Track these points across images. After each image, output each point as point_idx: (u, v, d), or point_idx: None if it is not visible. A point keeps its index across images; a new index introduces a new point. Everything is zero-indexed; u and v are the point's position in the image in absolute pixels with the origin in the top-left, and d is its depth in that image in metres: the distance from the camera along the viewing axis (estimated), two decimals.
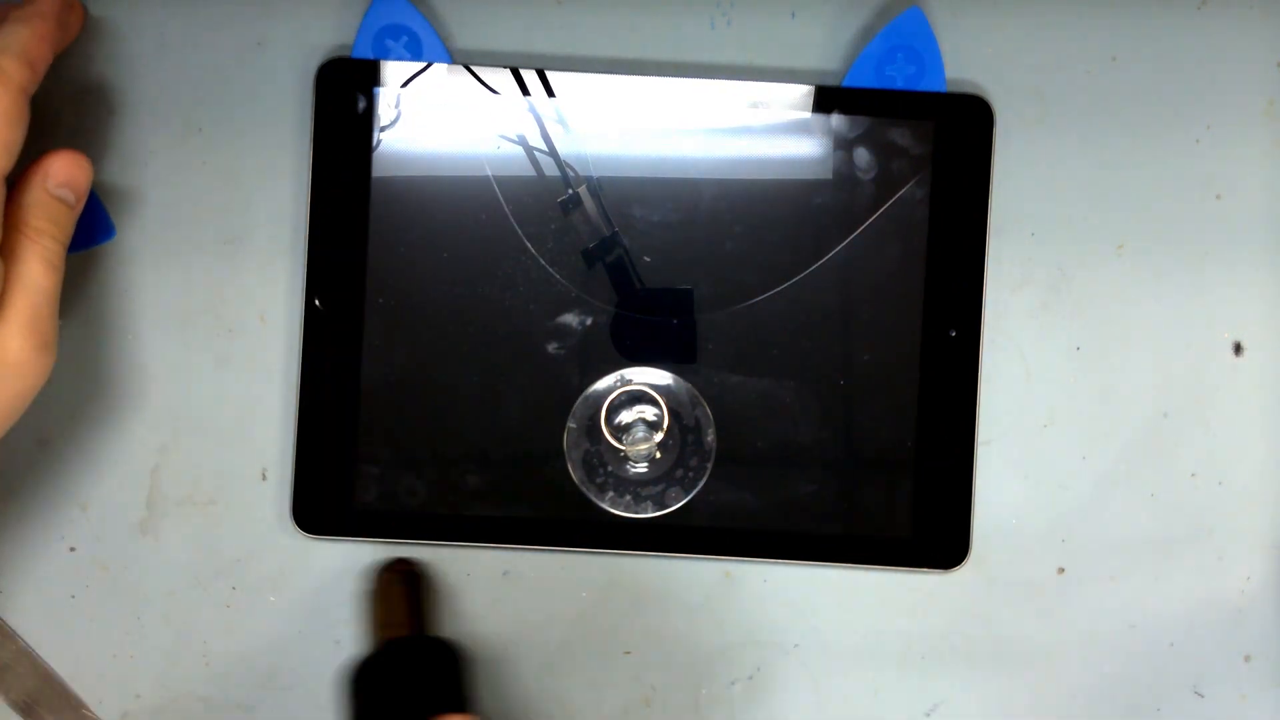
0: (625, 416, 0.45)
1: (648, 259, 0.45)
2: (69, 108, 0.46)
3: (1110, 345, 0.47)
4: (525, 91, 0.45)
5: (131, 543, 0.47)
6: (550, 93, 0.45)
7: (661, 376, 0.45)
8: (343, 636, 0.47)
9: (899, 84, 0.45)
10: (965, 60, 0.47)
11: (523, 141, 0.45)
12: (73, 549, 0.47)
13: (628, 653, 0.47)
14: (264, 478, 0.46)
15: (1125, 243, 0.47)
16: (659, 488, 0.45)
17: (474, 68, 0.45)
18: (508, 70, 0.45)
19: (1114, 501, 0.47)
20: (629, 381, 0.45)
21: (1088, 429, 0.47)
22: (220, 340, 0.46)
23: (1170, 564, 0.47)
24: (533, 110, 0.45)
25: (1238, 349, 0.47)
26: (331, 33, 0.46)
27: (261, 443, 0.46)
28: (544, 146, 0.45)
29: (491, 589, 0.47)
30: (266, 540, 0.47)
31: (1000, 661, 0.47)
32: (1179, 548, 0.47)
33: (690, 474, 0.45)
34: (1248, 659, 0.48)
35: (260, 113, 0.46)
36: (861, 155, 0.45)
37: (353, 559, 0.47)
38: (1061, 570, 0.47)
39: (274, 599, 0.47)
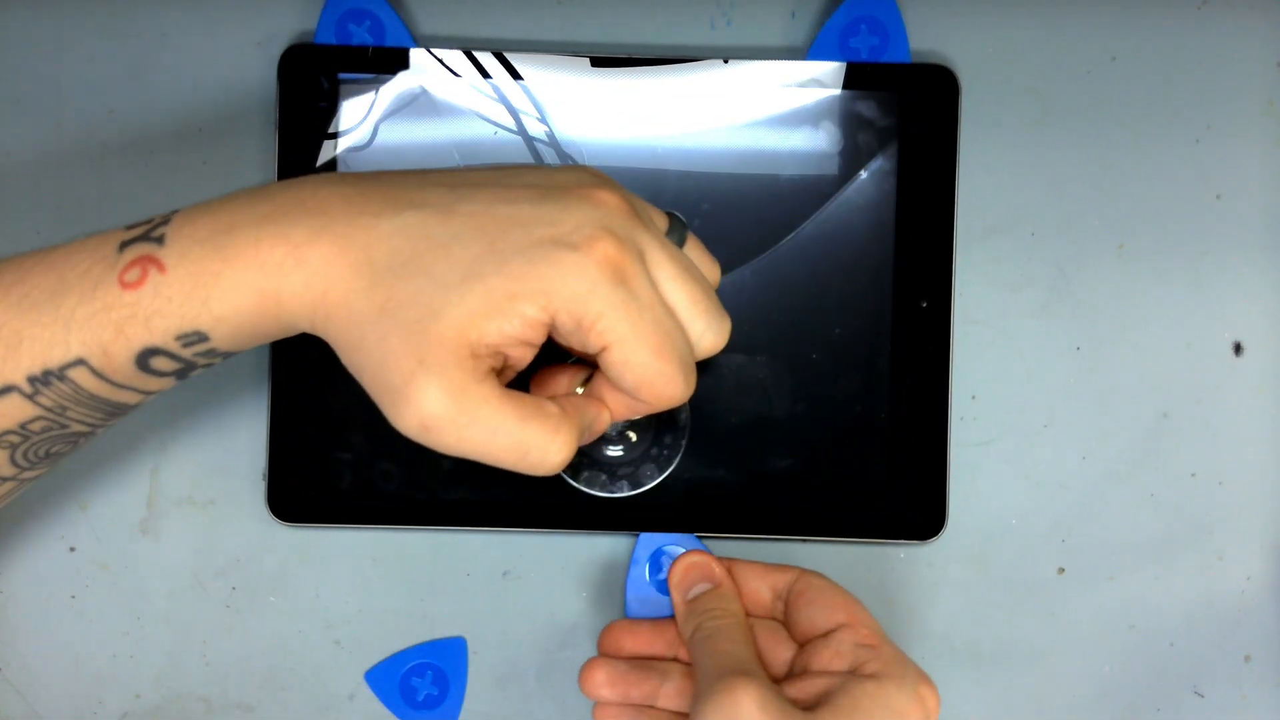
0: None
1: None
2: (69, 107, 0.46)
3: (1110, 345, 0.47)
4: (485, 75, 0.45)
5: (131, 543, 0.47)
6: (516, 75, 0.45)
7: None
8: (342, 636, 0.47)
9: (863, 56, 0.45)
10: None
11: (481, 116, 0.45)
12: (73, 549, 0.47)
13: None
14: (264, 478, 0.46)
15: (1125, 243, 0.47)
16: (634, 467, 0.45)
17: (435, 50, 0.45)
18: (489, 54, 0.45)
19: (1114, 501, 0.47)
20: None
21: (1088, 429, 0.47)
22: None
23: (1170, 564, 0.47)
24: (494, 91, 0.45)
25: (1238, 349, 0.47)
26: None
27: (260, 443, 0.46)
28: (502, 124, 0.45)
29: (491, 589, 0.47)
30: (266, 540, 0.47)
31: (1000, 661, 0.47)
32: (1179, 548, 0.47)
33: (665, 452, 0.45)
34: (1248, 659, 0.48)
35: (258, 110, 0.46)
36: (828, 128, 0.45)
37: (352, 559, 0.47)
38: (1061, 570, 0.47)
39: (274, 599, 0.47)
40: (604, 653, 0.43)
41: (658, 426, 0.45)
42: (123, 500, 0.47)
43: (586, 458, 0.45)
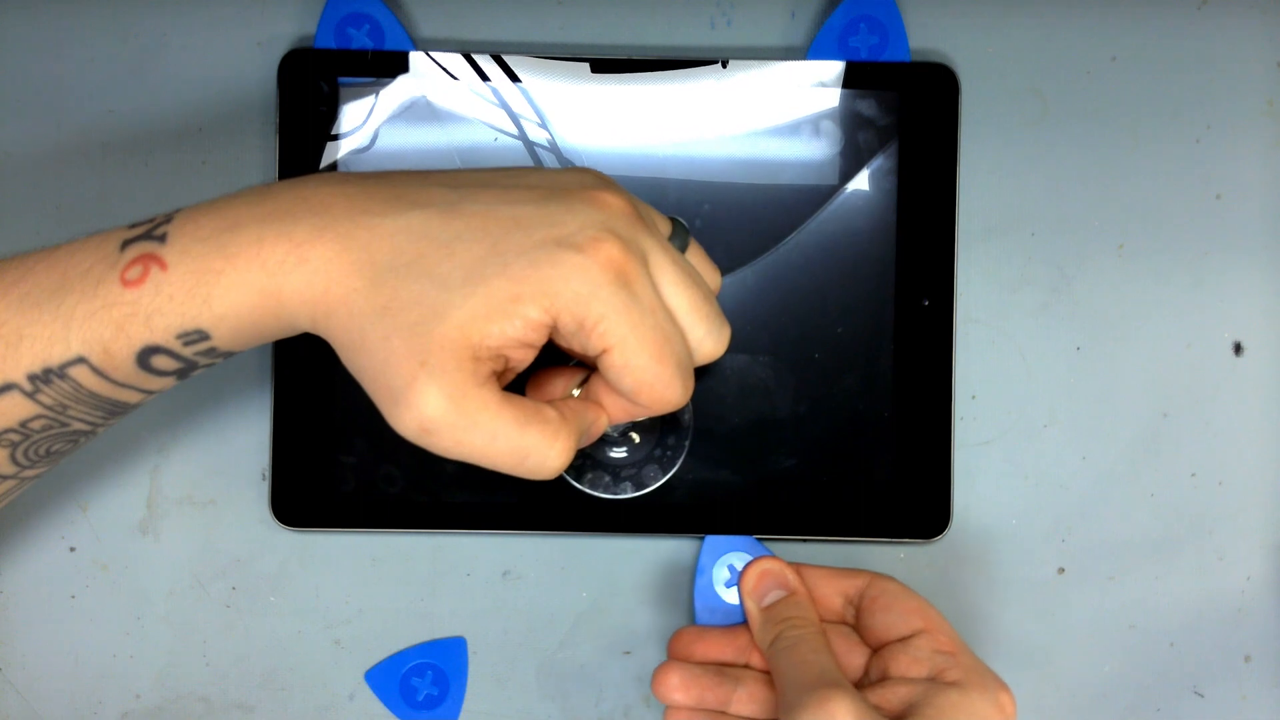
0: None
1: None
2: (69, 107, 0.46)
3: (1110, 345, 0.47)
4: (484, 78, 0.45)
5: (131, 543, 0.47)
6: (516, 79, 0.45)
7: None
8: (342, 636, 0.47)
9: (863, 55, 0.45)
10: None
11: (481, 120, 0.45)
12: (73, 549, 0.47)
13: (627, 653, 0.47)
14: (264, 478, 0.46)
15: (1125, 243, 0.47)
16: (637, 468, 0.45)
17: (434, 54, 0.45)
18: (489, 58, 0.45)
19: (1114, 501, 0.47)
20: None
21: (1088, 429, 0.47)
22: None
23: (1170, 564, 0.47)
24: (494, 95, 0.45)
25: (1238, 349, 0.47)
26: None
27: (260, 443, 0.46)
28: (502, 128, 0.45)
29: (491, 589, 0.47)
30: (266, 540, 0.47)
31: (1000, 661, 0.47)
32: (1179, 548, 0.47)
33: (668, 453, 0.45)
34: (1248, 659, 0.48)
35: (259, 111, 0.46)
36: (828, 128, 0.45)
37: (352, 559, 0.47)
38: (1061, 570, 0.47)
39: (274, 599, 0.47)
40: (674, 658, 0.43)
41: (661, 428, 0.45)
42: (123, 500, 0.47)
43: (590, 459, 0.45)
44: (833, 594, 0.43)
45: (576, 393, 0.37)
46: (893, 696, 0.39)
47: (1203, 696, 0.48)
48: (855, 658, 0.42)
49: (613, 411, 0.37)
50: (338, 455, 0.45)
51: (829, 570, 0.43)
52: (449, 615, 0.47)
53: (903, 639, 0.40)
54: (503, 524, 0.45)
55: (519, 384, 0.37)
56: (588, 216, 0.33)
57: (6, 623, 0.47)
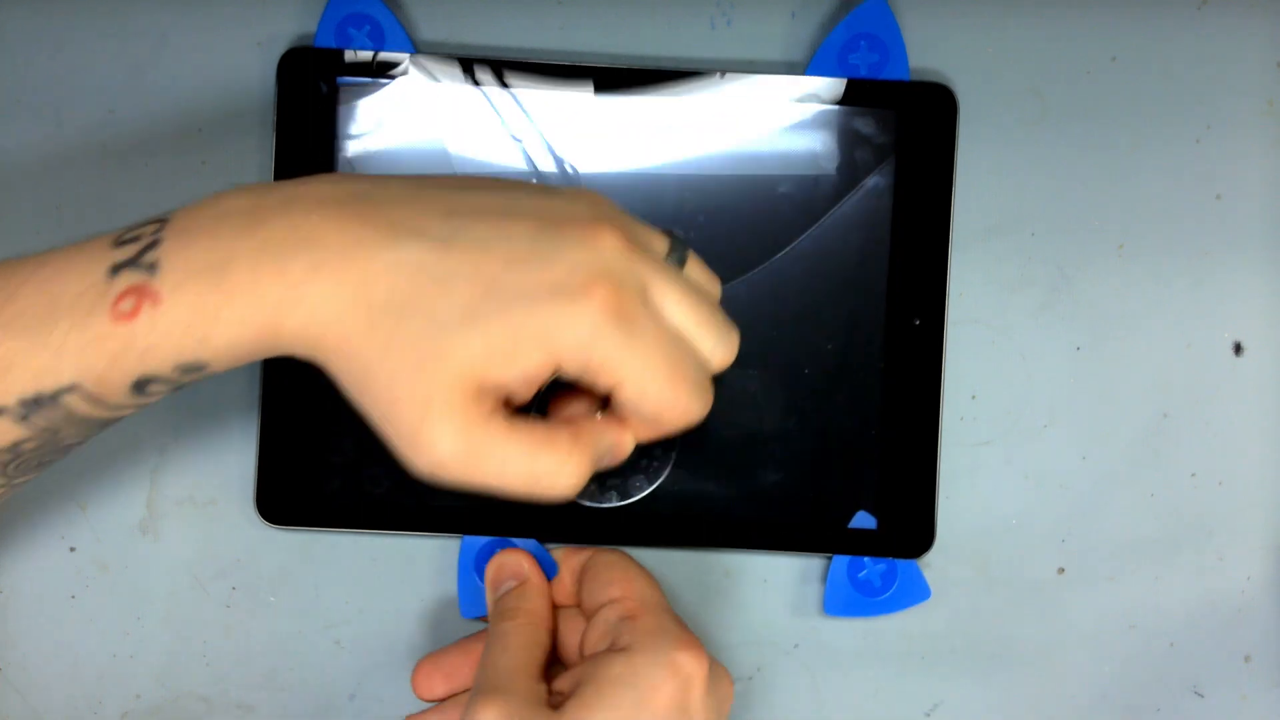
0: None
1: None
2: (69, 107, 0.46)
3: (1110, 345, 0.47)
4: (483, 83, 0.45)
5: (131, 543, 0.47)
6: (505, 84, 0.45)
7: None
8: (343, 636, 0.47)
9: (862, 72, 0.45)
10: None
11: (480, 122, 0.45)
12: (73, 549, 0.47)
13: None
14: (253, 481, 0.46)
15: (1125, 243, 0.47)
16: (622, 478, 0.45)
17: (435, 57, 0.45)
18: (486, 64, 0.45)
19: (1114, 501, 0.47)
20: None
21: (1088, 429, 0.47)
22: None
23: (1170, 564, 0.47)
24: (493, 98, 0.45)
25: (1238, 349, 0.47)
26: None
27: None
28: (500, 131, 0.45)
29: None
30: (266, 540, 0.47)
31: (1000, 661, 0.47)
32: (1179, 548, 0.47)
33: (654, 464, 0.45)
34: (1248, 659, 0.48)
35: (258, 111, 0.46)
36: (825, 144, 0.45)
37: (352, 559, 0.47)
38: (1061, 570, 0.47)
39: (274, 599, 0.47)
40: (422, 697, 0.43)
41: None
42: (123, 500, 0.47)
43: None
44: (567, 573, 0.42)
45: (600, 416, 0.37)
46: (570, 677, 0.37)
47: (1203, 696, 0.48)
48: (577, 638, 0.41)
49: (637, 430, 0.37)
50: (324, 454, 0.45)
51: (570, 550, 0.43)
52: (449, 616, 0.47)
53: (599, 610, 0.39)
54: (485, 529, 0.45)
55: (541, 404, 0.37)
56: (579, 256, 0.33)
57: (6, 623, 0.47)
